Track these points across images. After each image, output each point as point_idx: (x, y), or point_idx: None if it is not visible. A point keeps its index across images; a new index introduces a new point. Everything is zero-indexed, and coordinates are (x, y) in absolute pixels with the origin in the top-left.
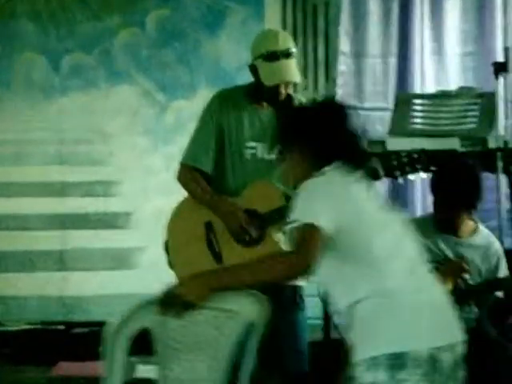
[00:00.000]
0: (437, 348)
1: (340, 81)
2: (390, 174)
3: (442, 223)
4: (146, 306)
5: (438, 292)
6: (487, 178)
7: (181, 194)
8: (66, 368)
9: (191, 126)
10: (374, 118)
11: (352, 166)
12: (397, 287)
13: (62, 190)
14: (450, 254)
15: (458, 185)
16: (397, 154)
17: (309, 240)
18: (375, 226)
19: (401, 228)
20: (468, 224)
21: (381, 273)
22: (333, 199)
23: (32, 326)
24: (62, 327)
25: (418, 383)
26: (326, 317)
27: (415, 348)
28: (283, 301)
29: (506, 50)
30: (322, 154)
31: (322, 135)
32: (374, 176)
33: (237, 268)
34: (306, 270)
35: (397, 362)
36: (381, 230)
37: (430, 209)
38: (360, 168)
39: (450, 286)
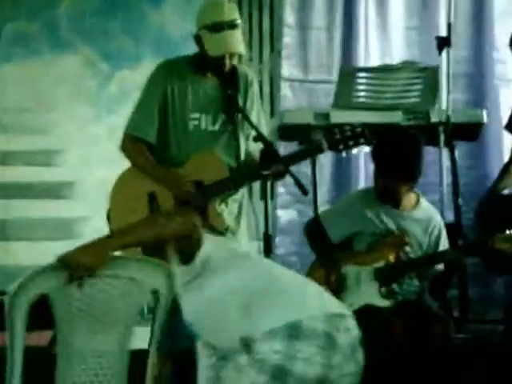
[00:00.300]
0: (330, 320)
1: (285, 53)
2: (333, 147)
3: (384, 195)
4: (44, 272)
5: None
6: (429, 152)
7: (124, 164)
8: (3, 338)
9: (135, 96)
10: (318, 90)
11: None
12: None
13: (4, 158)
14: (392, 226)
15: (399, 155)
16: (340, 127)
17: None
18: None
19: None
20: (410, 197)
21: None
22: None
23: None
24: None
25: (313, 355)
26: None
27: (309, 316)
28: None
29: (449, 25)
30: None
31: None
32: (317, 149)
33: (135, 226)
34: (193, 229)
35: (293, 332)
36: None
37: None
38: None
39: (391, 258)
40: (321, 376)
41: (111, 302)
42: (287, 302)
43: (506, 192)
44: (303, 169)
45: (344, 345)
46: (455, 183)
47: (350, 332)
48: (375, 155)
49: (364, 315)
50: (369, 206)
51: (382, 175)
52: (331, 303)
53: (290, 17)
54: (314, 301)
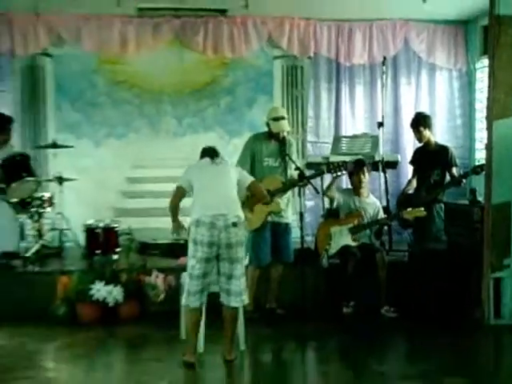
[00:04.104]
0: (215, 215)
1: (308, 130)
2: (329, 171)
3: (356, 187)
4: None
5: (225, 195)
6: (374, 174)
7: None
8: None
9: (240, 151)
10: (324, 147)
11: (209, 158)
12: (201, 195)
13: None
14: (358, 205)
15: (359, 162)
16: (332, 163)
17: (175, 193)
18: (202, 176)
19: (215, 172)
20: (366, 191)
21: (199, 192)
22: (189, 172)
23: None
24: None
25: (205, 231)
26: (302, 237)
27: (205, 215)
28: (283, 228)
29: (383, 116)
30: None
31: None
32: (322, 173)
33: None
34: (171, 206)
35: (198, 223)
36: (205, 176)
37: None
38: (213, 158)
39: (356, 222)
40: (209, 240)
41: None
42: (197, 209)
43: (410, 192)
44: (318, 182)
45: (220, 226)
46: (386, 189)
47: (225, 220)
48: (351, 169)
49: (345, 251)
50: (347, 196)
51: (354, 173)
52: (220, 208)
53: (310, 112)
54: (208, 208)
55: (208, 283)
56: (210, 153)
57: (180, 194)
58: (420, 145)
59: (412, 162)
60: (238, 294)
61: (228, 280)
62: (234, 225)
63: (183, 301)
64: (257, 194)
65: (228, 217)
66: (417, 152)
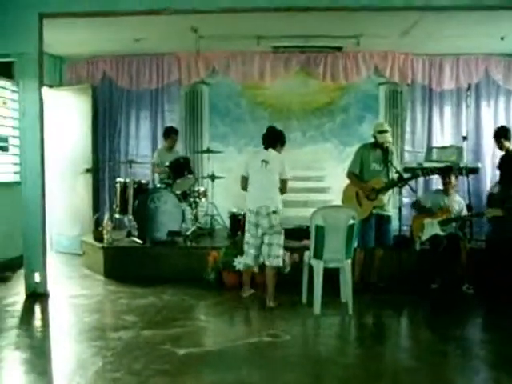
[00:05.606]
0: (259, 206)
1: (406, 141)
2: (423, 175)
3: (444, 190)
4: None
5: (267, 192)
6: (460, 179)
7: (346, 181)
8: None
9: (351, 157)
10: (419, 155)
11: (264, 148)
12: (251, 189)
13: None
14: (446, 203)
15: (448, 169)
16: (425, 168)
17: (242, 181)
18: (253, 173)
19: (262, 174)
20: (453, 191)
21: (250, 185)
22: (247, 166)
23: None
24: None
25: (253, 216)
26: (400, 226)
27: (252, 206)
28: (385, 219)
29: (465, 137)
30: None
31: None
32: (416, 176)
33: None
34: (244, 189)
35: (249, 210)
36: (255, 174)
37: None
38: (267, 148)
39: (445, 216)
40: (255, 222)
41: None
42: (249, 201)
43: (496, 191)
44: (413, 183)
45: (263, 214)
46: (469, 190)
47: (267, 209)
48: (442, 174)
49: (434, 238)
50: (437, 195)
51: (443, 177)
52: (264, 201)
53: (407, 128)
54: (255, 201)
55: (260, 252)
56: (266, 142)
57: (245, 181)
58: (502, 153)
59: (498, 168)
60: (276, 257)
61: (269, 248)
62: (274, 212)
63: (243, 264)
64: (282, 188)
65: (270, 207)
66: (502, 159)
